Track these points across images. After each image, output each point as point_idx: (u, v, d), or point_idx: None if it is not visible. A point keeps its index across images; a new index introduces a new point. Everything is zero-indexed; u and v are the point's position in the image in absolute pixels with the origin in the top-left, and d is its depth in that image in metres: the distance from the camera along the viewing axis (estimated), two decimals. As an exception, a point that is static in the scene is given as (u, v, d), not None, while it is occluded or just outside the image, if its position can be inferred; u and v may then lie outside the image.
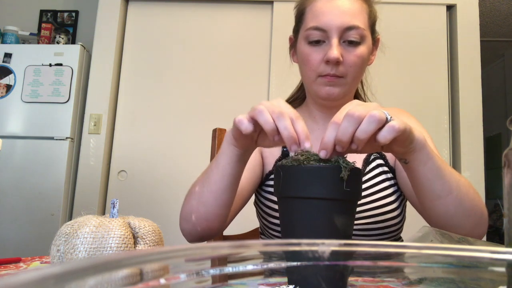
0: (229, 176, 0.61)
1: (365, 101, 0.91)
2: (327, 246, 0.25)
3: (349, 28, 0.71)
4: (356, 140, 0.47)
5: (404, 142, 0.50)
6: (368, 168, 0.78)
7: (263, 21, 2.39)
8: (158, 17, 2.42)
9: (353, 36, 0.71)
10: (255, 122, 0.52)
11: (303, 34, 0.75)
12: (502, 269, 0.26)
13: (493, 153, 3.14)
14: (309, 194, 0.42)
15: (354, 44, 0.72)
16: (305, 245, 0.25)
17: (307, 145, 0.48)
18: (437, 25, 2.32)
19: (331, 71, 0.72)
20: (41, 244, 2.04)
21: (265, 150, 0.84)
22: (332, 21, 0.70)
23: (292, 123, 0.50)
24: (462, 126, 2.19)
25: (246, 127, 0.51)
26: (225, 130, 1.04)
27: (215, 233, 0.69)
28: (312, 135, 0.81)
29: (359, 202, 0.74)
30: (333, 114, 0.82)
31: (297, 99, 0.91)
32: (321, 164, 0.44)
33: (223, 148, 0.61)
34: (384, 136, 0.46)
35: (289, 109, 0.51)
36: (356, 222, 0.73)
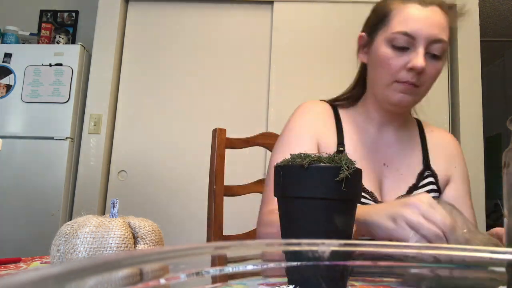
0: None
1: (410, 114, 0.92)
2: (327, 246, 0.25)
3: (436, 41, 0.71)
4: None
5: None
6: (421, 183, 0.80)
7: (263, 21, 2.39)
8: (158, 17, 2.42)
9: (437, 49, 0.72)
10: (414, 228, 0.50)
11: (387, 36, 0.74)
12: (502, 269, 0.26)
13: (493, 153, 3.13)
14: (309, 194, 0.42)
15: (435, 57, 0.72)
16: (305, 245, 0.25)
17: None
18: (437, 25, 2.32)
19: (411, 79, 0.72)
20: (41, 244, 2.04)
21: (322, 145, 0.81)
22: (422, 30, 0.70)
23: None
24: (462, 126, 2.19)
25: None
26: (225, 130, 1.04)
27: None
28: (366, 137, 0.82)
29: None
30: (391, 120, 0.82)
31: (349, 98, 0.89)
32: (321, 164, 0.44)
33: None
34: None
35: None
36: None
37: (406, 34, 0.71)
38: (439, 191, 0.81)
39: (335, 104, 0.88)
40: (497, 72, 3.99)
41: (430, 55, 0.72)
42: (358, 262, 0.27)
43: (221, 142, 1.02)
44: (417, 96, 0.76)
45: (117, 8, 2.37)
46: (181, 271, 0.22)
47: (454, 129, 2.24)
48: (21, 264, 0.58)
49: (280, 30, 2.32)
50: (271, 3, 2.38)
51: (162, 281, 0.21)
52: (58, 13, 2.73)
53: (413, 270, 0.29)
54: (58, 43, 2.45)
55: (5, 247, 2.10)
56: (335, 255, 0.25)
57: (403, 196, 0.76)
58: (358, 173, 0.44)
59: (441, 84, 2.27)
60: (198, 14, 2.41)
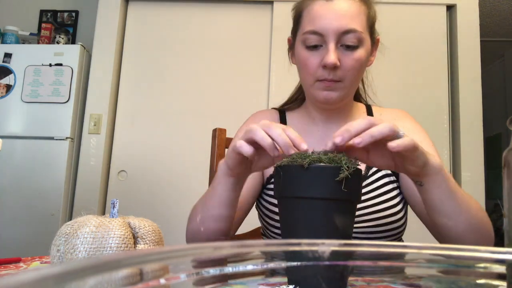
0: (226, 201, 0.64)
1: (366, 101, 0.91)
2: (327, 246, 0.25)
3: (346, 32, 0.69)
4: (364, 135, 0.48)
5: (415, 161, 0.52)
6: (370, 172, 0.77)
7: (263, 21, 2.39)
8: (158, 17, 2.42)
9: (350, 40, 0.70)
10: (253, 144, 0.53)
11: (301, 38, 0.74)
12: (502, 269, 0.26)
13: (493, 153, 3.13)
14: (309, 194, 0.42)
15: (351, 48, 0.71)
16: (305, 245, 0.25)
17: (303, 147, 0.49)
18: (437, 25, 2.32)
19: (328, 76, 0.71)
20: (41, 244, 2.04)
21: None
22: (329, 25, 0.69)
23: (284, 131, 0.52)
24: (462, 126, 2.19)
25: (247, 150, 0.53)
26: (225, 130, 1.04)
27: None
28: (312, 137, 0.81)
29: (362, 205, 0.74)
30: (332, 116, 0.82)
31: (296, 100, 0.91)
32: (321, 164, 0.44)
33: (218, 177, 0.63)
34: (392, 145, 0.48)
35: (278, 124, 0.54)
36: (359, 225, 0.73)
37: (314, 32, 0.71)
38: (394, 173, 0.78)
39: (284, 108, 0.89)
40: (497, 72, 3.99)
41: (345, 47, 0.71)
42: (358, 262, 0.27)
43: (221, 142, 1.02)
44: (343, 90, 0.73)
45: (117, 8, 2.37)
46: (181, 271, 0.22)
47: (454, 129, 2.24)
48: (21, 264, 0.58)
49: (280, 30, 2.32)
50: (271, 3, 2.38)
51: (162, 281, 0.21)
52: (58, 13, 2.73)
53: (413, 270, 0.29)
54: (58, 43, 2.45)
55: (5, 247, 2.10)
56: (335, 255, 0.25)
57: None
58: (358, 173, 0.44)
59: (441, 84, 2.28)
60: (198, 14, 2.41)
